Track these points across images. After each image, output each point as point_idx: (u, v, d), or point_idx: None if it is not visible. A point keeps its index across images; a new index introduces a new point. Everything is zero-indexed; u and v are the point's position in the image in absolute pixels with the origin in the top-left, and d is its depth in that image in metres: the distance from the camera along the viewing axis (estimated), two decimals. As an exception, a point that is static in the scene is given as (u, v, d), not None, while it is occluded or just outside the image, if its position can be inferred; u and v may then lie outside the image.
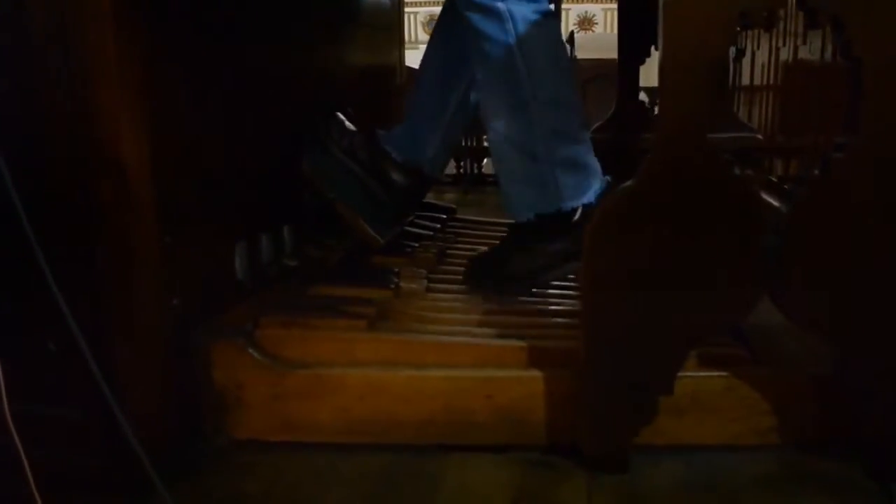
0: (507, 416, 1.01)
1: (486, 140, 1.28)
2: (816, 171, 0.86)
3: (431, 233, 1.63)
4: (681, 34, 0.85)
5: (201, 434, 1.02)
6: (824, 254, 0.88)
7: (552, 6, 1.25)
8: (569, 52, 3.53)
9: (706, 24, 0.84)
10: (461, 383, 1.02)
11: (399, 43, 2.17)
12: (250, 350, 1.03)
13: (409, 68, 2.14)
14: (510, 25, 1.18)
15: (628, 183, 0.89)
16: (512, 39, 1.19)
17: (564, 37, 3.72)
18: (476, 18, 1.21)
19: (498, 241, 1.42)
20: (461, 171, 4.04)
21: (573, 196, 1.22)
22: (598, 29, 5.79)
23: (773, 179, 2.49)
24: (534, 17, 1.19)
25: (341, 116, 1.47)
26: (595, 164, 1.26)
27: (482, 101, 1.26)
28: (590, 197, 1.23)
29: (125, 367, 0.91)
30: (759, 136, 1.71)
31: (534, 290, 1.29)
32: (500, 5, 1.18)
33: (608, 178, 1.25)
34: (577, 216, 1.22)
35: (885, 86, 0.81)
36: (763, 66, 3.14)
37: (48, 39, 0.86)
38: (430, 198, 1.62)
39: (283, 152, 1.35)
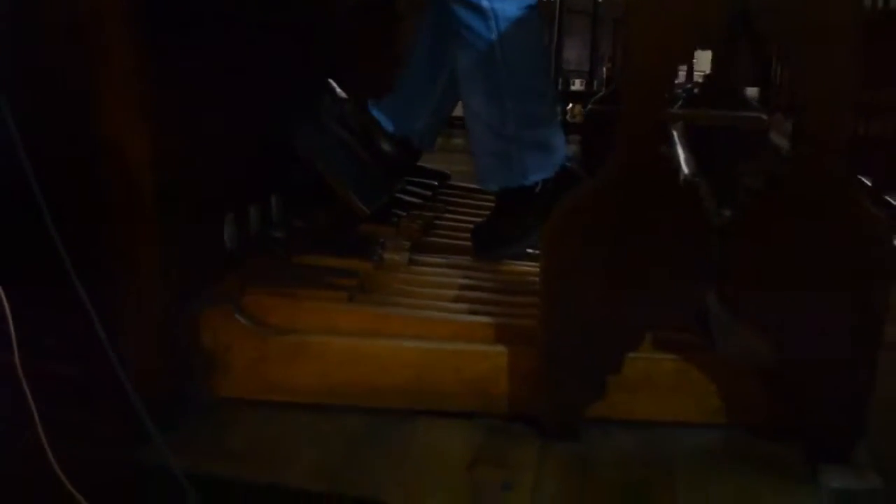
0: (473, 387, 1.08)
1: (464, 115, 1.42)
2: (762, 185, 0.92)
3: (421, 201, 1.68)
4: (643, 41, 0.90)
5: (190, 392, 1.10)
6: (762, 255, 0.94)
7: None
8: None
9: (667, 36, 0.89)
10: (432, 356, 1.09)
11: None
12: (237, 316, 1.10)
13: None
14: (493, 23, 1.25)
15: (588, 181, 0.95)
16: (494, 36, 1.26)
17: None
18: (461, 12, 1.27)
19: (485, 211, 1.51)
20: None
21: (535, 172, 1.37)
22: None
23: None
24: (517, 13, 1.25)
25: (333, 83, 1.51)
26: (560, 143, 1.39)
27: (461, 82, 1.36)
28: (549, 173, 1.37)
29: (126, 330, 0.99)
30: (765, 117, 1.73)
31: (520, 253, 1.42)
32: (485, 3, 1.24)
33: (568, 156, 1.40)
34: (537, 189, 1.38)
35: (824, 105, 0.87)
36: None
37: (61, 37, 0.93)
38: (438, 143, 1.67)
39: (273, 122, 1.40)
